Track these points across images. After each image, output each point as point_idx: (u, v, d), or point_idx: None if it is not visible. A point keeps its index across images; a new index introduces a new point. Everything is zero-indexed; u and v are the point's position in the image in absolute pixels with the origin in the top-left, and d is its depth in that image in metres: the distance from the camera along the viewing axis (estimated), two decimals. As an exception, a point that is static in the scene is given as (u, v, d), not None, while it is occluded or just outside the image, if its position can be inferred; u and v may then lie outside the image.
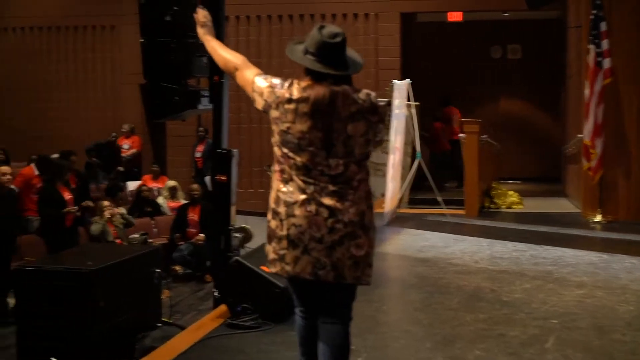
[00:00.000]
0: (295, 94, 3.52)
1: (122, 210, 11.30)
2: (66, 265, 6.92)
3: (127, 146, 16.12)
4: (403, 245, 8.60)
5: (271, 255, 3.63)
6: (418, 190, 12.97)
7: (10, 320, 8.86)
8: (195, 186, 11.81)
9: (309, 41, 3.62)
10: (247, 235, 7.32)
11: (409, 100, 9.84)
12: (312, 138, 3.49)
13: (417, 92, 10.16)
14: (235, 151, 7.14)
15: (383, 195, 12.02)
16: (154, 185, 13.93)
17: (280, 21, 16.00)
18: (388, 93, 12.64)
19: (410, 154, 11.49)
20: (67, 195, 9.65)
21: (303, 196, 3.52)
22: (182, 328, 7.45)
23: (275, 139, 3.60)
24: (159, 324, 7.54)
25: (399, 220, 10.19)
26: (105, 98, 17.93)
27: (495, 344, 5.03)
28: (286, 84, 3.58)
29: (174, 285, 10.56)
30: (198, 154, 15.08)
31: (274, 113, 3.57)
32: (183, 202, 12.80)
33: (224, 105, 7.10)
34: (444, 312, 5.79)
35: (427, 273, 7.11)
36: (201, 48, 7.25)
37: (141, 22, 6.92)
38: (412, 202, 12.49)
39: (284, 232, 3.55)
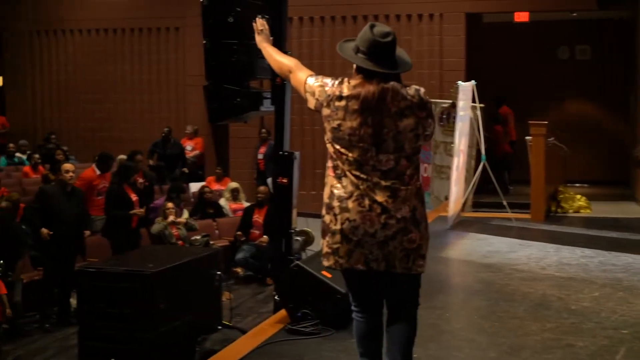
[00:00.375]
0: (346, 91, 3.64)
1: (186, 214, 11.34)
2: (127, 267, 6.94)
3: (191, 148, 16.22)
4: (467, 250, 8.42)
5: (325, 249, 3.73)
6: (481, 193, 12.75)
7: (73, 320, 8.98)
8: (262, 188, 11.77)
9: (359, 40, 3.72)
10: (309, 239, 7.23)
11: (474, 102, 9.63)
12: (362, 134, 3.60)
13: (482, 94, 9.96)
14: (296, 153, 7.06)
15: (447, 198, 11.84)
16: (217, 187, 13.97)
17: (344, 22, 15.89)
18: (452, 94, 12.47)
19: (474, 156, 11.29)
20: (134, 197, 9.72)
21: (357, 191, 3.63)
22: (243, 331, 7.42)
23: (328, 136, 3.73)
24: (219, 327, 7.52)
25: (462, 224, 10.00)
26: (169, 100, 18.06)
27: (562, 355, 4.86)
28: (336, 82, 3.71)
29: (235, 288, 10.56)
30: (260, 156, 15.07)
31: (326, 111, 3.69)
32: (245, 203, 12.81)
33: (286, 107, 7.03)
34: (509, 320, 5.62)
35: (491, 279, 6.93)
36: (264, 50, 7.26)
37: (204, 23, 6.88)
38: (476, 206, 12.27)
39: (338, 227, 3.66)
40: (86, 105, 18.46)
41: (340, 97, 3.64)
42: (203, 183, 14.17)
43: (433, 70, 15.50)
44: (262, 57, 7.04)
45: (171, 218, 10.30)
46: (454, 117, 12.03)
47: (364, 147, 3.61)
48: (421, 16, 15.71)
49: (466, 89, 9.33)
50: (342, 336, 5.12)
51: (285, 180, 6.95)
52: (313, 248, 6.91)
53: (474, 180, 9.99)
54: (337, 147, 3.67)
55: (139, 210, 9.66)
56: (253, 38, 7.00)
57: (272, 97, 7.06)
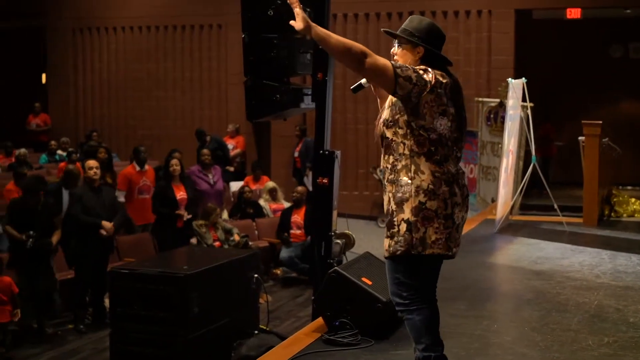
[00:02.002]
0: (440, 79, 3.70)
1: (225, 215, 11.12)
2: (161, 269, 6.73)
3: (232, 146, 15.99)
4: (516, 256, 8.03)
5: (434, 237, 3.68)
6: (529, 195, 12.32)
7: (108, 322, 8.78)
8: (299, 188, 11.51)
9: (424, 33, 3.80)
10: (350, 242, 6.91)
11: (524, 100, 9.23)
12: (456, 121, 3.77)
13: (530, 93, 9.55)
14: (337, 152, 6.77)
15: (493, 200, 11.44)
16: (255, 187, 13.74)
17: (389, 19, 15.53)
18: (501, 93, 12.08)
19: (522, 157, 10.89)
20: (181, 195, 9.52)
21: (457, 175, 3.76)
22: (280, 336, 7.17)
23: (424, 122, 3.69)
24: (256, 332, 7.27)
25: (510, 227, 9.59)
26: (210, 98, 17.90)
27: (622, 372, 4.49)
28: (427, 70, 3.70)
29: (274, 290, 10.31)
30: (296, 154, 14.82)
31: (428, 96, 3.66)
32: (286, 203, 12.56)
33: (328, 104, 6.75)
34: (562, 333, 5.23)
35: (542, 287, 6.53)
36: (305, 44, 6.97)
37: (243, 17, 6.64)
38: (523, 208, 11.84)
39: (449, 211, 3.71)
40: (128, 103, 18.41)
41: (441, 84, 3.69)
42: (242, 183, 13.95)
43: (480, 68, 15.15)
44: (303, 52, 6.88)
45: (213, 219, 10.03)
46: (502, 117, 11.65)
47: (457, 136, 3.78)
48: (469, 13, 15.33)
49: (517, 86, 8.93)
50: (382, 347, 4.79)
51: (325, 181, 6.69)
52: (357, 251, 6.56)
53: (523, 182, 9.58)
54: (440, 131, 3.71)
55: (182, 212, 9.45)
56: (294, 32, 6.80)
57: (312, 93, 6.79)
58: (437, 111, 3.69)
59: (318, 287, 6.47)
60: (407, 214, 3.67)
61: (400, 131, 3.73)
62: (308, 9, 6.78)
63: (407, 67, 3.66)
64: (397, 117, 3.74)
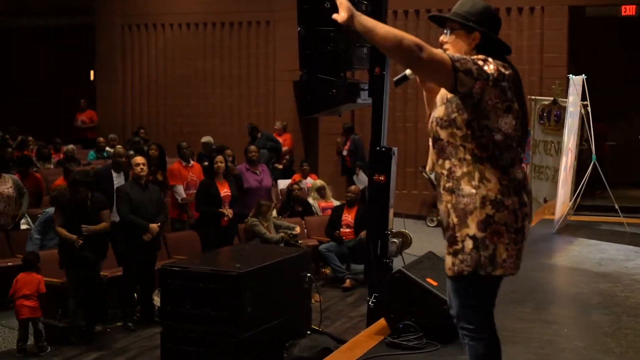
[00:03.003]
0: (502, 70, 3.27)
1: (274, 212, 10.98)
2: (213, 267, 6.57)
3: (279, 144, 15.88)
4: (578, 257, 7.75)
5: (504, 254, 3.28)
6: (585, 195, 12.00)
7: (157, 319, 8.67)
8: (352, 188, 11.27)
9: (477, 16, 3.40)
10: (407, 241, 6.72)
11: (583, 98, 8.94)
12: (520, 118, 3.34)
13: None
14: (394, 149, 6.58)
15: (546, 200, 11.15)
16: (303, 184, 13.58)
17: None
18: (555, 91, 11.78)
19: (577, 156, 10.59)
20: (225, 192, 9.35)
21: (523, 182, 3.36)
22: (333, 337, 6.99)
23: (488, 121, 3.25)
24: (308, 332, 7.10)
25: (569, 228, 9.30)
26: (258, 95, 17.80)
27: None
28: (488, 60, 3.27)
29: (323, 290, 10.11)
30: (345, 152, 14.62)
31: (492, 91, 3.22)
32: (334, 201, 12.38)
33: (385, 99, 6.56)
34: (637, 338, 4.98)
35: (610, 291, 6.26)
36: (362, 37, 6.77)
37: (299, 9, 6.44)
38: (580, 209, 11.53)
39: (520, 224, 3.31)
40: (175, 100, 18.39)
41: (504, 76, 3.25)
42: (290, 180, 13.79)
43: (533, 65, 14.85)
44: (360, 46, 6.68)
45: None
46: (556, 115, 11.36)
47: (521, 134, 3.35)
48: (521, 10, 15.04)
49: (577, 83, 8.64)
50: (449, 351, 4.60)
51: (382, 178, 6.50)
52: (411, 252, 6.37)
53: (583, 181, 9.28)
54: (505, 130, 3.26)
55: (226, 210, 9.28)
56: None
57: (369, 88, 6.61)
58: (501, 108, 3.25)
59: (373, 287, 6.31)
60: (472, 228, 3.26)
61: (459, 132, 3.30)
62: (365, 2, 6.62)
63: (465, 58, 3.21)
64: (454, 115, 3.30)
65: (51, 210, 9.12)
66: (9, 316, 8.48)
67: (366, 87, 6.61)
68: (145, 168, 8.64)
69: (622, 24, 16.31)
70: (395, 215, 7.02)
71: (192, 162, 10.84)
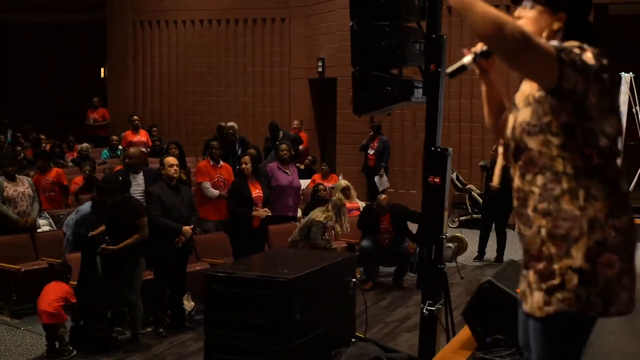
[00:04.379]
0: (603, 60, 2.67)
1: (299, 213, 10.74)
2: (261, 273, 6.29)
3: (295, 143, 15.61)
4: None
5: (618, 290, 2.70)
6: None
7: (188, 324, 8.39)
8: (382, 199, 10.67)
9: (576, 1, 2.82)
10: (462, 246, 6.45)
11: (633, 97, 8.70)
12: (619, 117, 2.78)
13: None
14: (449, 150, 6.29)
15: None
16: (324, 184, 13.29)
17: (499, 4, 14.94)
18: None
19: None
20: (257, 193, 9.04)
21: (629, 195, 2.83)
22: (380, 345, 6.76)
23: (593, 124, 2.67)
24: (353, 340, 6.82)
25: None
26: (272, 93, 17.54)
27: None
28: (584, 48, 2.66)
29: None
30: (371, 152, 14.30)
31: (595, 87, 2.63)
32: (359, 202, 12.14)
33: (440, 97, 6.26)
34: None
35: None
36: (416, 33, 6.50)
37: (351, 3, 6.16)
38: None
39: (632, 249, 2.73)
40: (188, 98, 18.15)
41: (604, 68, 2.67)
42: (309, 180, 13.52)
43: (555, 64, 14.53)
44: (414, 42, 6.40)
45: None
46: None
47: (621, 136, 2.77)
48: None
49: (626, 81, 8.40)
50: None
51: (437, 180, 6.21)
52: (463, 259, 6.07)
53: (633, 183, 9.05)
54: (610, 134, 2.69)
55: (262, 212, 8.98)
56: (407, 19, 6.34)
57: (424, 86, 6.32)
58: (605, 106, 2.67)
59: (427, 294, 6.05)
60: (577, 259, 2.67)
61: (556, 140, 2.71)
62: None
63: (567, 47, 2.61)
64: (547, 119, 2.71)
65: (84, 208, 8.85)
66: (36, 321, 8.22)
67: (420, 85, 6.32)
68: (178, 169, 8.36)
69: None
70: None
71: (221, 162, 10.55)
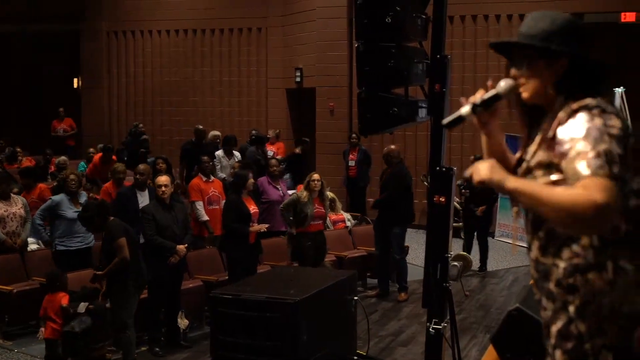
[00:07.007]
0: (624, 121, 2.46)
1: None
2: (268, 294, 6.26)
3: (272, 153, 15.49)
4: None
5: None
6: None
7: (183, 343, 8.32)
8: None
9: (562, 35, 2.60)
10: (467, 264, 6.48)
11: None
12: None
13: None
14: (454, 169, 6.33)
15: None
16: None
17: (497, 22, 15.02)
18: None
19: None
20: (253, 209, 8.97)
21: None
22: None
23: (626, 187, 2.44)
24: (355, 357, 6.85)
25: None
26: (250, 102, 17.50)
27: None
28: (606, 112, 2.45)
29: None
30: (352, 162, 14.31)
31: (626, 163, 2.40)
32: (344, 213, 12.15)
33: (445, 117, 6.30)
34: None
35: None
36: (419, 53, 6.53)
37: (357, 24, 6.21)
38: None
39: None
40: (164, 108, 18.05)
41: (628, 129, 2.43)
42: (294, 192, 13.45)
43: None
44: (417, 62, 6.44)
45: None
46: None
47: None
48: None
49: (617, 97, 8.49)
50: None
51: (442, 199, 6.24)
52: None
53: None
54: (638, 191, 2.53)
55: (261, 227, 8.92)
56: (411, 40, 6.36)
57: (429, 106, 6.35)
58: (630, 166, 2.43)
59: (432, 313, 6.08)
60: (611, 337, 2.52)
61: None
62: (423, 16, 6.36)
63: (609, 154, 2.31)
64: None
65: (57, 198, 8.90)
66: (30, 342, 8.12)
67: (424, 105, 6.36)
68: (167, 190, 8.22)
69: (622, 31, 16.24)
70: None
71: (212, 177, 10.50)
